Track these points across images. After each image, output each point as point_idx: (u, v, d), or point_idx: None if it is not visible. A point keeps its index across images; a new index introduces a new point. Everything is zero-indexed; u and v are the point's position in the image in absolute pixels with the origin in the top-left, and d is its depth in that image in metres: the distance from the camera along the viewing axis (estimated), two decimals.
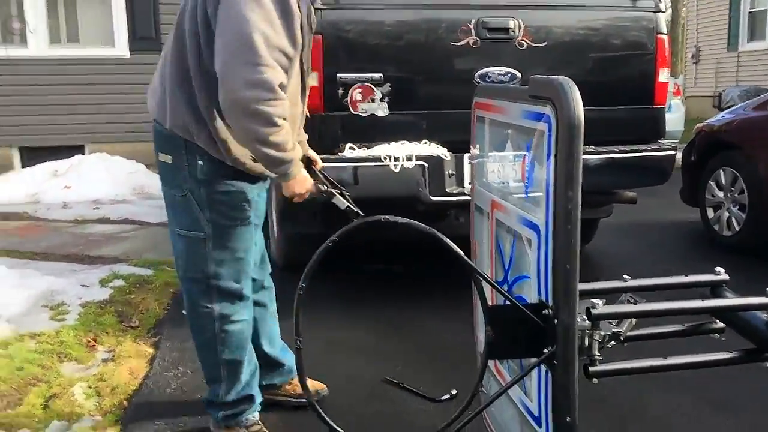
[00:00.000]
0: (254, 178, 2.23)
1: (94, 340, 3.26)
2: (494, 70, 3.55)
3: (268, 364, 2.57)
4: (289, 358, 2.62)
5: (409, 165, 3.38)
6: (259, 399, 2.43)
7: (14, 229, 5.55)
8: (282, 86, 1.99)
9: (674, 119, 6.35)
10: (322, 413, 1.84)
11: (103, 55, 8.19)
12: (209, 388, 2.40)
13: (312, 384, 2.63)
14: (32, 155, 7.81)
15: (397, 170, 3.40)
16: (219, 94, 1.99)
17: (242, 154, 2.13)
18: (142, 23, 8.21)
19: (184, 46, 2.09)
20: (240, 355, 2.34)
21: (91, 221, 5.85)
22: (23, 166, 7.78)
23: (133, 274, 4.16)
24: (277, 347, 2.61)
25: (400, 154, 3.46)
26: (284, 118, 2.01)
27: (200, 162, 2.13)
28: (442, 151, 3.52)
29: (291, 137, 2.08)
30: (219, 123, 2.09)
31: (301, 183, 2.19)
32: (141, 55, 8.17)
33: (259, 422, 2.40)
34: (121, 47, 8.24)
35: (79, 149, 8.04)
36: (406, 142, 3.54)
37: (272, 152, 2.02)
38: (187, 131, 2.11)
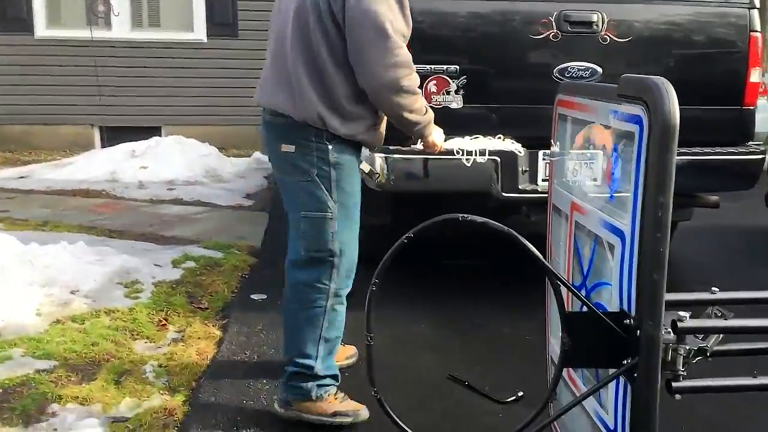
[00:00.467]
0: (359, 153, 2.52)
1: (166, 320, 3.34)
2: (575, 66, 3.43)
3: None
4: None
5: (481, 159, 3.30)
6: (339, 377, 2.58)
7: (93, 206, 5.74)
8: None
9: (761, 120, 6.02)
10: (389, 410, 1.83)
11: (182, 39, 8.38)
12: (299, 363, 2.45)
13: (344, 350, 2.84)
14: (112, 135, 8.07)
15: (469, 164, 3.33)
16: (364, 82, 2.28)
17: (364, 130, 2.43)
18: (220, 9, 8.36)
19: (311, 43, 2.29)
20: (338, 335, 2.53)
21: (166, 202, 6.00)
22: (103, 146, 8.05)
23: (203, 255, 4.24)
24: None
25: (473, 148, 3.40)
26: (419, 87, 2.35)
27: (330, 146, 2.36)
28: (516, 147, 3.43)
29: (423, 100, 2.43)
30: (355, 108, 2.36)
31: (439, 135, 2.59)
32: (218, 40, 8.33)
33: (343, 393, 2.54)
34: (199, 32, 8.41)
35: (156, 130, 8.27)
36: (480, 136, 3.47)
37: (416, 117, 2.39)
38: (320, 120, 2.32)
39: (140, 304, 3.45)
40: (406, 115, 2.36)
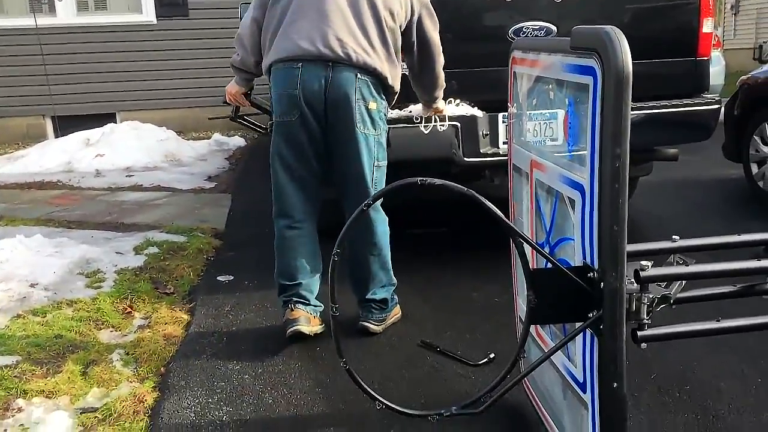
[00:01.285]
0: None
1: (131, 307, 3.27)
2: (529, 25, 3.41)
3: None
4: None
5: (442, 128, 3.29)
6: None
7: (49, 197, 5.60)
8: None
9: (715, 72, 6.10)
10: (359, 380, 1.81)
11: (131, 21, 8.18)
12: (393, 283, 2.97)
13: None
14: (65, 124, 7.86)
15: (427, 132, 3.31)
16: (433, 47, 2.91)
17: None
18: None
19: (377, 10, 2.67)
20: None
21: (124, 189, 5.88)
22: (56, 136, 7.84)
23: (166, 241, 4.17)
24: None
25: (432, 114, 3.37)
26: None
27: (386, 106, 2.84)
28: (474, 111, 3.42)
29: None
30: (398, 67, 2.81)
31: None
32: (168, 21, 8.14)
33: None
34: (148, 13, 8.21)
35: (110, 117, 8.08)
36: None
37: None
38: (388, 75, 2.73)
39: (103, 293, 3.38)
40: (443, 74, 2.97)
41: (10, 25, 7.89)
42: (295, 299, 2.82)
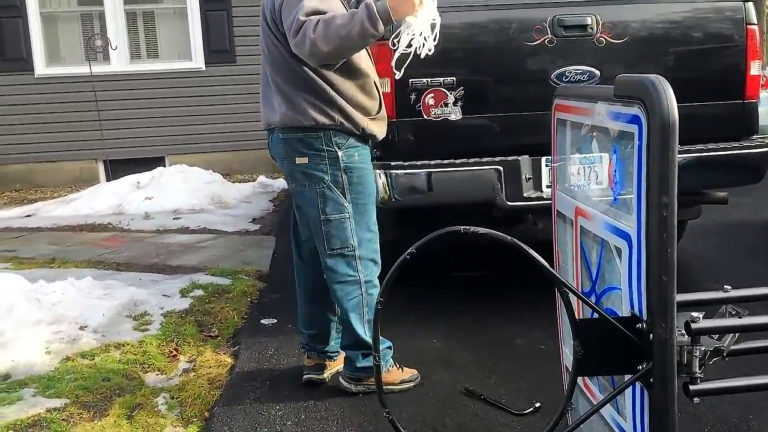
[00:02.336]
0: (369, 155, 2.74)
1: (176, 350, 3.31)
2: (572, 69, 3.41)
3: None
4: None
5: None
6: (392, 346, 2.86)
7: (100, 240, 5.74)
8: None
9: (764, 113, 5.98)
10: (401, 429, 1.79)
11: (181, 68, 8.43)
12: (357, 346, 2.74)
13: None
14: (116, 168, 8.09)
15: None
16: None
17: (360, 117, 2.63)
18: (217, 36, 8.41)
19: (277, 54, 2.60)
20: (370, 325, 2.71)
21: (171, 231, 5.99)
22: (108, 179, 8.07)
23: (211, 283, 4.22)
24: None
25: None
26: (325, 17, 2.38)
27: (340, 152, 2.61)
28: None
29: (342, 14, 2.44)
30: (351, 99, 2.60)
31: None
32: (216, 67, 8.37)
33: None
34: (197, 60, 8.46)
35: (160, 161, 8.30)
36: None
37: (349, 31, 2.35)
38: (328, 114, 2.57)
39: (150, 336, 3.43)
40: (345, 35, 2.36)
41: (67, 72, 8.21)
42: (308, 347, 2.94)
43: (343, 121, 2.59)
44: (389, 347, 2.83)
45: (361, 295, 2.70)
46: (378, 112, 2.70)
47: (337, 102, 2.57)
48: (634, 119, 1.53)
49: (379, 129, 2.73)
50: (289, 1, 2.46)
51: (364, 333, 2.70)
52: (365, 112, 2.65)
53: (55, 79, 8.21)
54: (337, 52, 2.41)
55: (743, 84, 3.53)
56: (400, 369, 2.83)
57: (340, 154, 2.61)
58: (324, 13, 2.40)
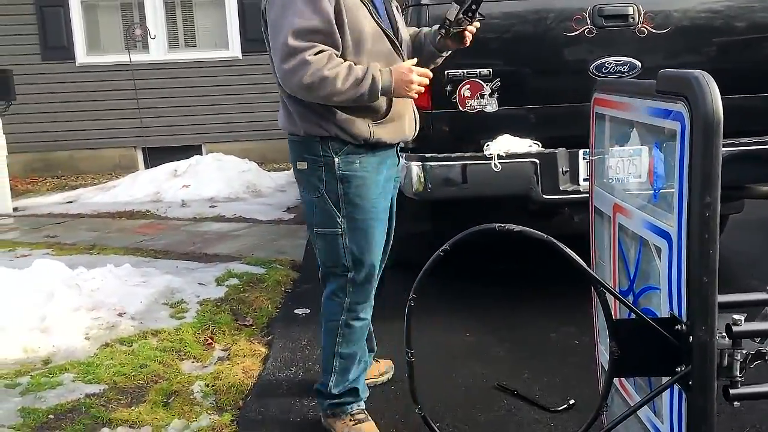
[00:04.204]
0: (381, 162, 2.37)
1: (211, 338, 3.35)
2: (612, 60, 3.34)
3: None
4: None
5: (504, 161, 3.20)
6: (365, 393, 2.53)
7: (138, 227, 5.84)
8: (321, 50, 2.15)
9: None
10: (433, 425, 1.79)
11: (218, 57, 8.50)
12: (321, 378, 2.51)
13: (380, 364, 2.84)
14: (154, 156, 8.21)
15: (498, 169, 3.25)
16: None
17: (363, 125, 2.29)
18: (253, 26, 8.42)
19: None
20: (354, 351, 2.46)
21: (207, 219, 6.06)
22: (146, 167, 8.20)
23: (246, 272, 4.26)
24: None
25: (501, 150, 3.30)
26: (328, 69, 2.13)
27: (336, 159, 2.29)
28: (534, 148, 3.32)
29: (347, 71, 2.16)
30: (349, 108, 2.29)
31: (401, 77, 2.21)
32: (253, 56, 8.41)
33: (364, 411, 2.49)
34: (234, 49, 8.51)
35: (197, 149, 8.39)
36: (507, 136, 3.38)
37: (350, 95, 2.16)
38: (320, 126, 2.28)
39: (186, 323, 3.48)
40: (339, 99, 2.17)
41: (106, 61, 8.34)
42: None
43: (338, 133, 2.26)
44: (353, 392, 2.47)
45: (340, 321, 2.41)
46: (387, 114, 2.31)
47: (331, 113, 2.25)
48: (677, 116, 1.49)
49: (388, 134, 2.33)
50: (275, 10, 2.19)
51: (330, 369, 2.43)
52: (371, 116, 2.29)
53: (96, 67, 8.34)
54: (318, 100, 2.21)
55: None
56: (355, 423, 2.44)
57: (336, 160, 2.28)
58: (315, 31, 2.13)
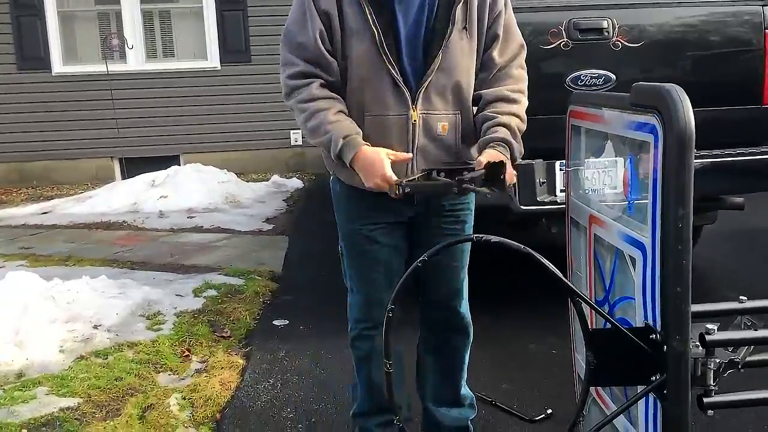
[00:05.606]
0: (379, 212, 2.08)
1: (188, 351, 3.32)
2: (587, 73, 3.39)
3: (430, 423, 2.38)
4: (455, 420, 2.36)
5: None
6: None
7: (115, 238, 5.78)
8: (303, 74, 1.94)
9: None
10: None
11: (197, 67, 8.46)
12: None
13: None
14: (132, 166, 8.14)
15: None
16: None
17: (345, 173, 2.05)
18: (232, 36, 8.43)
19: None
20: (359, 379, 2.29)
21: (186, 230, 6.02)
22: (124, 177, 8.12)
23: (224, 283, 4.24)
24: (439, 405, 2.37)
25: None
26: (315, 100, 1.92)
27: (332, 176, 2.17)
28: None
29: (334, 120, 1.90)
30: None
31: (367, 170, 1.86)
32: (231, 67, 8.40)
33: None
34: (213, 59, 8.48)
35: (174, 159, 8.33)
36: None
37: (315, 139, 1.94)
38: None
39: (163, 335, 3.45)
40: (308, 137, 1.98)
41: (83, 71, 8.27)
42: None
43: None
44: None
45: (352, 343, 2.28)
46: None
47: None
48: (650, 129, 1.51)
49: (347, 178, 2.05)
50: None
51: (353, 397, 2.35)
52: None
53: (72, 77, 8.27)
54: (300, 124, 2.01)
55: (761, 89, 3.49)
56: None
57: (332, 177, 2.16)
58: (300, 63, 1.94)
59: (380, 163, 1.83)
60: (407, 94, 1.95)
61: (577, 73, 3.38)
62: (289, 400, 2.81)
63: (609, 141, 1.86)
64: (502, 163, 1.72)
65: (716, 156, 3.40)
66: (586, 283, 2.02)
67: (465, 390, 2.36)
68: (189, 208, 6.74)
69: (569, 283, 1.61)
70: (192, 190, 7.02)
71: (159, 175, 7.37)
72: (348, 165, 1.91)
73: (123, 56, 8.40)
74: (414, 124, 1.97)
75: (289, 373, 3.07)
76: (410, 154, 1.95)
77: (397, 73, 1.92)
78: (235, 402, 2.82)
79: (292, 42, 1.97)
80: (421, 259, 1.67)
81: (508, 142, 1.97)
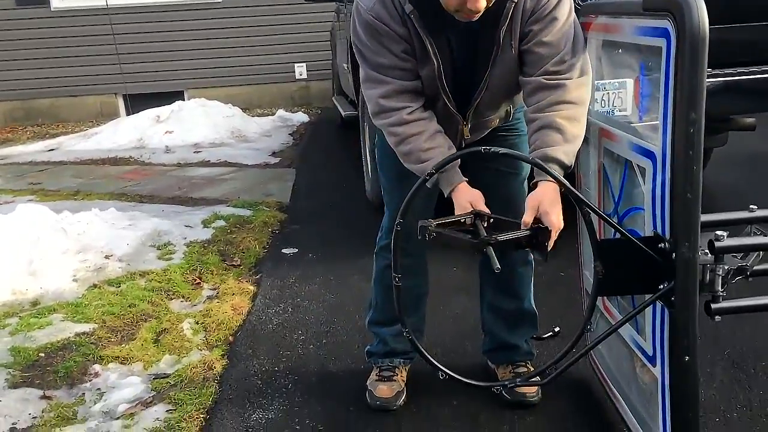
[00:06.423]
0: None
1: (200, 278, 3.36)
2: None
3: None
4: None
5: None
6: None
7: (122, 173, 5.78)
8: (396, 92, 1.89)
9: None
10: (422, 349, 1.81)
11: (198, 0, 8.29)
12: None
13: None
14: (136, 102, 8.08)
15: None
16: None
17: None
18: None
19: None
20: (378, 289, 2.32)
21: (193, 164, 6.01)
22: (128, 114, 8.07)
23: (233, 214, 4.25)
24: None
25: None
26: (406, 124, 1.89)
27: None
28: None
29: (426, 148, 1.88)
30: None
31: (458, 201, 1.87)
32: None
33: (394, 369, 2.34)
34: None
35: (179, 95, 8.25)
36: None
37: (408, 164, 1.93)
38: None
39: (174, 264, 3.48)
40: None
41: (82, 5, 8.12)
42: None
43: None
44: (372, 352, 2.38)
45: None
46: None
47: None
48: (663, 33, 1.47)
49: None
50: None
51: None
52: None
53: (72, 12, 8.12)
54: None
55: None
56: (377, 377, 2.34)
57: None
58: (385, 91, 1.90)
59: (478, 202, 1.82)
60: (458, 117, 1.97)
61: None
62: (299, 323, 2.85)
63: (620, 50, 1.82)
64: (548, 230, 1.67)
65: (727, 75, 3.34)
66: (595, 198, 2.02)
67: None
68: (195, 143, 6.72)
69: (578, 192, 1.60)
70: (198, 125, 6.98)
71: (164, 110, 7.31)
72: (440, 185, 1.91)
73: None
74: (463, 133, 2.00)
75: (299, 298, 3.11)
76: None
77: (450, 102, 1.93)
78: (247, 325, 2.87)
79: (373, 62, 1.89)
80: (429, 172, 1.67)
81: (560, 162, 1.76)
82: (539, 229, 1.66)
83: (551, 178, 1.64)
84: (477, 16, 1.71)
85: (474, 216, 1.76)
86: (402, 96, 1.89)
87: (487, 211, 1.79)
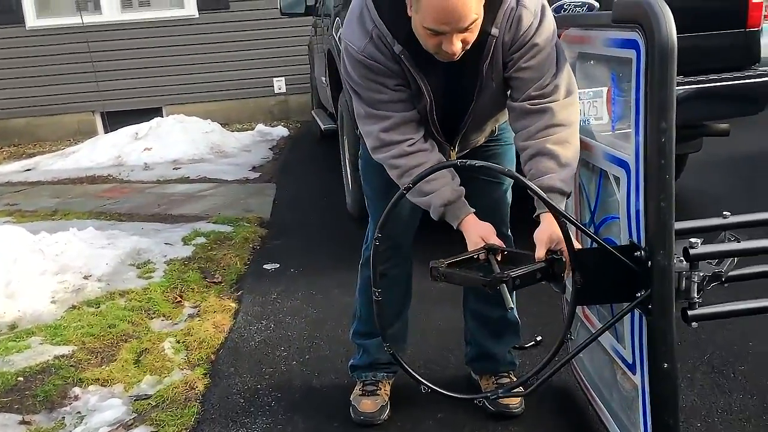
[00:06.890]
0: None
1: (180, 296, 3.34)
2: (570, 1, 3.34)
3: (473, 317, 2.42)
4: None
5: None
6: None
7: (101, 191, 5.74)
8: (397, 125, 1.90)
9: (766, 44, 5.87)
10: (403, 362, 1.81)
11: (174, 16, 8.28)
12: None
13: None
14: (114, 120, 8.03)
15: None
16: None
17: None
18: None
19: None
20: (363, 300, 2.32)
21: (172, 181, 5.98)
22: (106, 131, 8.01)
23: (213, 231, 4.23)
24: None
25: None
26: (407, 155, 1.90)
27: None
28: None
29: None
30: None
31: (469, 236, 1.89)
32: (210, 15, 8.22)
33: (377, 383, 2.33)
34: (190, 8, 8.29)
35: (157, 111, 8.22)
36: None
37: (412, 197, 1.91)
38: None
39: (154, 283, 3.45)
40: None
41: (58, 23, 8.07)
42: None
43: None
44: (357, 366, 2.36)
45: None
46: None
47: None
48: (632, 44, 1.50)
49: None
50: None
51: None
52: None
53: (47, 30, 8.07)
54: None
55: (745, 12, 3.46)
56: (361, 391, 2.33)
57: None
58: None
59: (489, 236, 1.84)
60: (446, 145, 2.00)
61: (560, 3, 3.33)
62: (282, 339, 2.84)
63: (592, 62, 1.84)
64: (563, 260, 1.65)
65: (700, 82, 3.39)
66: (571, 208, 2.03)
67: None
68: (174, 160, 6.68)
69: (553, 203, 1.61)
70: (176, 142, 6.94)
71: (142, 127, 7.27)
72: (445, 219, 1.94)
73: (98, 7, 8.19)
74: (451, 157, 2.02)
75: (282, 314, 3.10)
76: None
77: (438, 134, 1.96)
78: (229, 343, 2.85)
79: (369, 99, 1.90)
80: (406, 186, 1.68)
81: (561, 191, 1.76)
82: (554, 260, 1.66)
83: (549, 209, 1.62)
84: (456, 57, 1.72)
85: (487, 251, 1.75)
86: (403, 128, 1.89)
87: (500, 243, 1.80)
